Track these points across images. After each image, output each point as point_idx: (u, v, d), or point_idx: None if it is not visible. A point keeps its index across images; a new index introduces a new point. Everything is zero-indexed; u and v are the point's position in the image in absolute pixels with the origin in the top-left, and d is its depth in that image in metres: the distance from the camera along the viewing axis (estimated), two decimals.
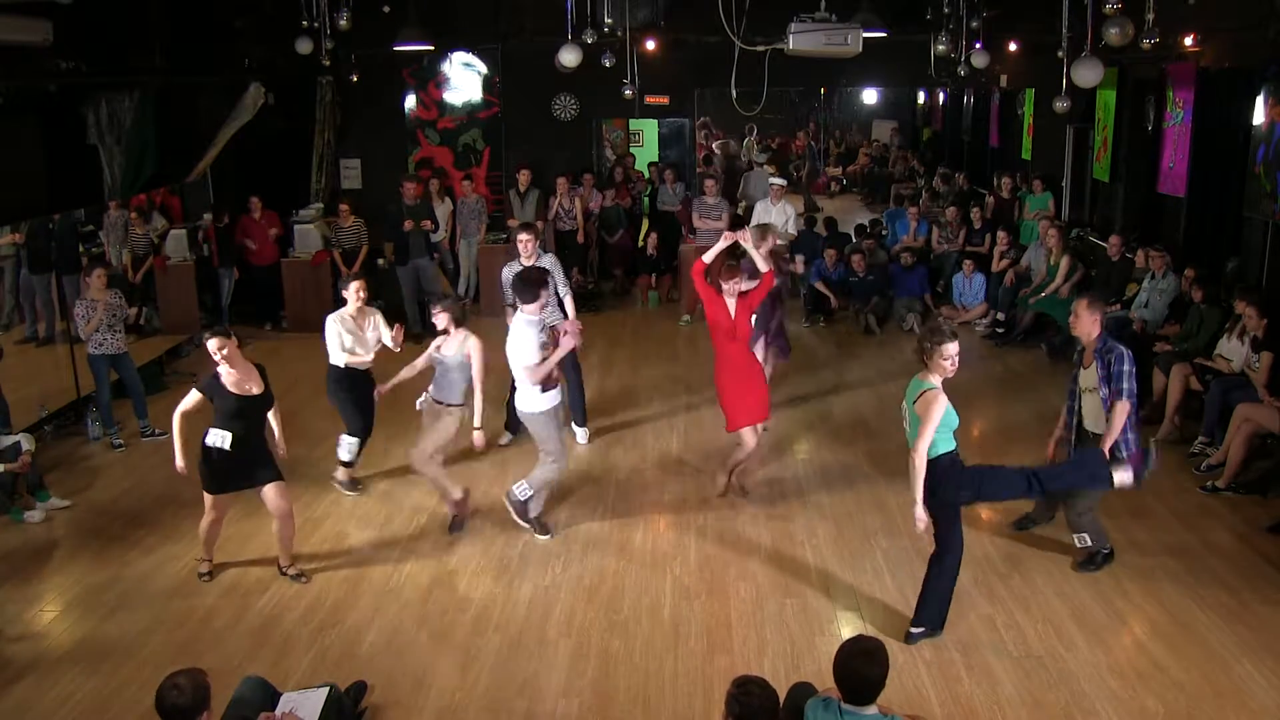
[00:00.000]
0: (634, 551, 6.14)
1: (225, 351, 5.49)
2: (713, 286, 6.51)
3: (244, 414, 5.57)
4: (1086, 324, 5.57)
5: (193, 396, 5.60)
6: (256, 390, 5.63)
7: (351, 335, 6.72)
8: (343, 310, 6.78)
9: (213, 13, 10.34)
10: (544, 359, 6.01)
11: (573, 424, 7.84)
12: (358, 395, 6.82)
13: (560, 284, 7.52)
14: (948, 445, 4.87)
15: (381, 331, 6.88)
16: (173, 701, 3.46)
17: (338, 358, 6.68)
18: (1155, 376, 7.87)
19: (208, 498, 5.70)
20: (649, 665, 4.98)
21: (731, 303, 6.44)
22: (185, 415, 5.63)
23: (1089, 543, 5.75)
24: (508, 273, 7.28)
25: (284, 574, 5.87)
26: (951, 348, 4.80)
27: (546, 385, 6.07)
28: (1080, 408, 5.75)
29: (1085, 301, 5.62)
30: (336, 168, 12.40)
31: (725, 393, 6.53)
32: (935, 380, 4.84)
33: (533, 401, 6.10)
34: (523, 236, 7.30)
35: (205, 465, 5.62)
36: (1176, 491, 6.79)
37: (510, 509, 6.29)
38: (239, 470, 5.64)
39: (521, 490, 6.23)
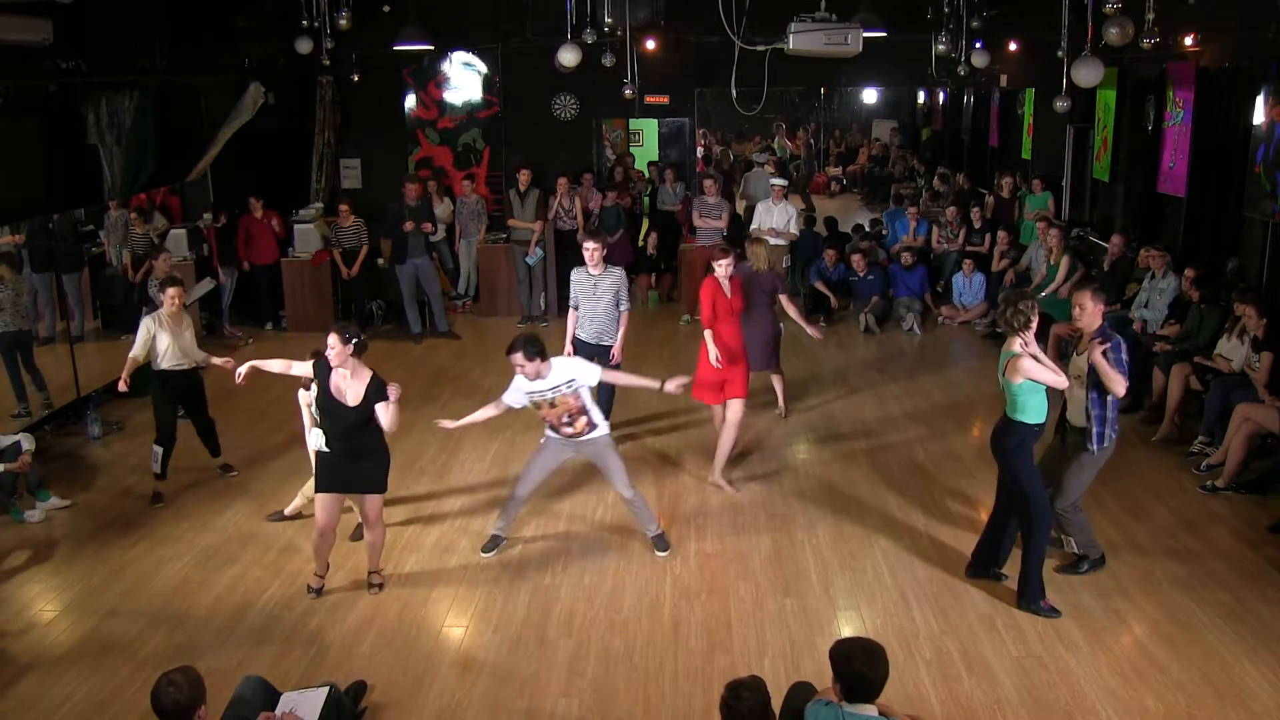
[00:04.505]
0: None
1: (335, 350, 5.20)
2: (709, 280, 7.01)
3: (331, 417, 5.39)
4: (1092, 315, 5.41)
5: (304, 366, 5.53)
6: (351, 402, 5.32)
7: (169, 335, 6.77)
8: (159, 312, 6.84)
9: (213, 13, 10.32)
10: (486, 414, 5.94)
11: None
12: (166, 399, 6.90)
13: (623, 300, 7.35)
14: (1038, 417, 5.26)
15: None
16: (174, 699, 3.46)
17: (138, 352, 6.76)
18: (1155, 376, 7.88)
19: (315, 499, 5.58)
20: (649, 665, 4.98)
21: (726, 284, 6.89)
22: (285, 369, 5.73)
23: (1075, 548, 5.75)
24: (576, 274, 7.37)
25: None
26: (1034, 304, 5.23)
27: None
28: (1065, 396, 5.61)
29: (1089, 293, 5.46)
30: (336, 168, 12.38)
31: (699, 364, 6.97)
32: (1018, 346, 5.20)
33: None
34: (590, 245, 7.21)
35: (319, 460, 5.57)
36: (1176, 491, 6.80)
37: None
38: (335, 473, 5.47)
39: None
